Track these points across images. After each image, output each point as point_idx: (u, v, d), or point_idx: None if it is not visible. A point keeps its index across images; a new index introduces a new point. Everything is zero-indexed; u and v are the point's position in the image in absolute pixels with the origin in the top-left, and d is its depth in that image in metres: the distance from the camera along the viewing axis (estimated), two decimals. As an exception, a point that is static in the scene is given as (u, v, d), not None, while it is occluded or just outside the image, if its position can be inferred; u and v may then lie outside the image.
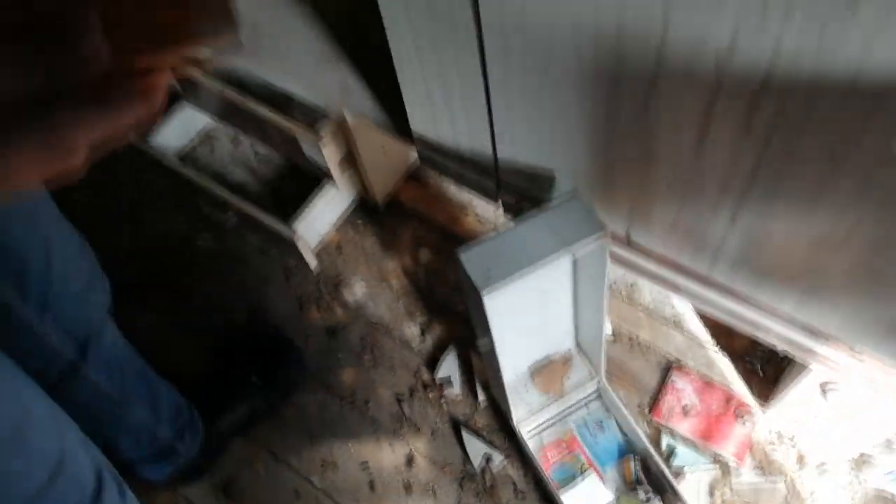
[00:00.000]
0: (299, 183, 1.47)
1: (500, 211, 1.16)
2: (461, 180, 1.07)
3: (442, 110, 0.95)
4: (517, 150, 0.90)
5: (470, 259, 0.81)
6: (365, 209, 1.45)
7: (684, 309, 1.27)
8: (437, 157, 1.06)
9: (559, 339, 1.15)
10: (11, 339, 0.74)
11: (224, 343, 1.34)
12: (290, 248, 1.34)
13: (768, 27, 0.55)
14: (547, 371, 1.15)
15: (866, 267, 0.70)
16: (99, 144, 0.38)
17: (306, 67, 1.22)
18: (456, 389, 1.24)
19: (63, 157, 0.37)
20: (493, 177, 1.00)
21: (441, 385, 1.25)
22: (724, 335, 1.23)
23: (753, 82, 0.60)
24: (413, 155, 1.46)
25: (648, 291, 1.29)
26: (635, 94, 0.70)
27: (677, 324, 1.25)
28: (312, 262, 1.35)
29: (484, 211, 1.40)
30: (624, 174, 0.81)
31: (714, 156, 0.70)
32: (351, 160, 1.31)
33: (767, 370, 1.19)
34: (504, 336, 0.94)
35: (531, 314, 1.05)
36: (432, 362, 1.28)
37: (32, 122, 0.35)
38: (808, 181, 0.66)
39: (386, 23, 0.87)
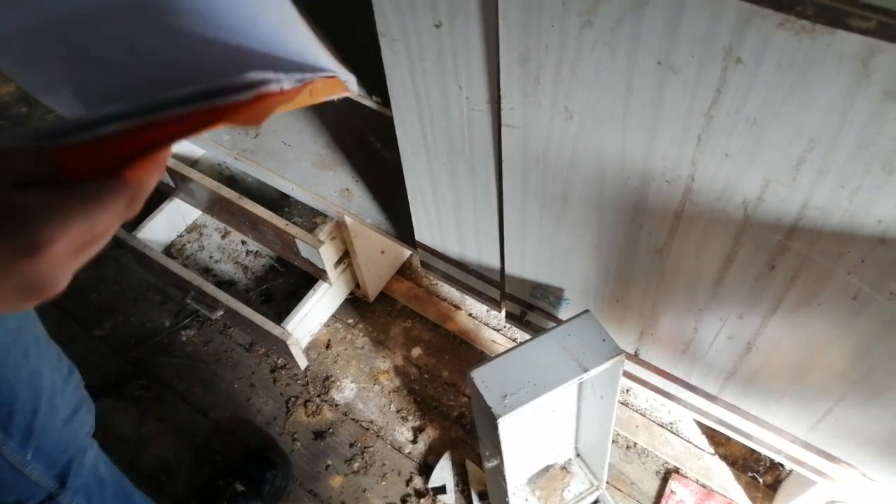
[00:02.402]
0: (289, 278, 1.44)
1: (502, 318, 1.15)
2: (464, 288, 1.06)
3: (452, 227, 0.95)
4: (527, 267, 0.90)
5: (483, 380, 0.80)
6: (356, 304, 1.43)
7: (681, 414, 1.26)
8: (441, 265, 1.06)
9: (560, 448, 1.13)
10: None
11: (207, 447, 1.29)
12: (278, 346, 1.30)
13: (799, 183, 0.57)
14: (547, 482, 1.12)
15: (887, 399, 0.71)
16: (78, 246, 0.33)
17: (305, 172, 1.22)
18: (450, 499, 1.20)
19: (36, 261, 0.31)
20: (498, 288, 1.00)
21: (435, 494, 1.21)
22: (723, 442, 1.22)
23: (780, 230, 0.61)
24: (407, 252, 1.45)
25: (644, 395, 1.28)
26: (658, 228, 0.71)
27: (674, 429, 1.24)
28: (302, 362, 1.32)
29: (477, 309, 1.39)
30: (638, 298, 0.82)
31: (734, 288, 0.71)
32: (346, 259, 1.30)
33: (767, 478, 1.19)
34: (511, 453, 0.92)
35: (537, 429, 1.04)
36: (425, 468, 1.24)
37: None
38: (830, 318, 0.67)
39: (402, 150, 0.87)
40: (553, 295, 0.91)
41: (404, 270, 1.46)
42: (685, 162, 0.62)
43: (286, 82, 0.41)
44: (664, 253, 0.73)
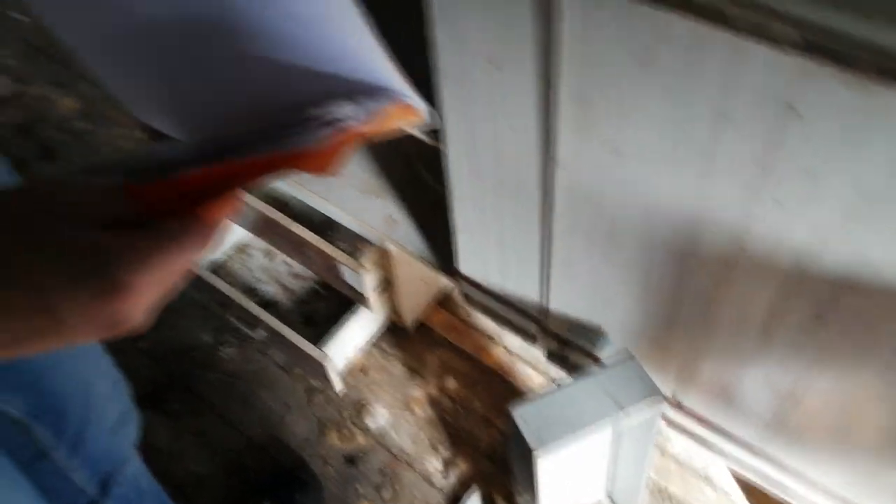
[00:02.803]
0: (330, 302, 1.46)
1: (538, 353, 1.15)
2: (504, 322, 1.07)
3: (495, 260, 0.96)
4: (569, 304, 0.91)
5: (524, 418, 0.80)
6: (393, 332, 1.44)
7: (716, 463, 1.24)
8: (481, 297, 1.06)
9: (593, 489, 1.11)
10: (38, 477, 0.72)
11: (240, 463, 1.30)
12: (315, 368, 1.32)
13: (853, 237, 0.56)
14: (578, 523, 1.10)
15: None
16: (157, 285, 0.34)
17: (350, 197, 1.24)
18: (479, 533, 1.19)
19: (118, 301, 0.32)
20: (538, 324, 1.00)
21: (463, 527, 1.20)
22: (759, 494, 1.19)
23: (831, 282, 0.61)
24: (446, 281, 1.46)
25: (680, 442, 1.26)
26: (706, 273, 0.71)
27: (708, 479, 1.22)
28: (338, 386, 1.33)
29: (513, 343, 1.39)
30: (681, 342, 0.81)
31: (781, 338, 0.70)
32: (387, 286, 1.31)
33: (804, 535, 1.15)
34: (545, 492, 0.91)
35: (571, 469, 1.03)
36: (454, 501, 1.23)
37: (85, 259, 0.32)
38: (879, 373, 0.65)
39: (451, 183, 0.89)
40: (594, 334, 0.91)
41: (443, 300, 1.47)
42: (737, 208, 0.62)
43: (361, 114, 0.41)
44: (711, 298, 0.73)
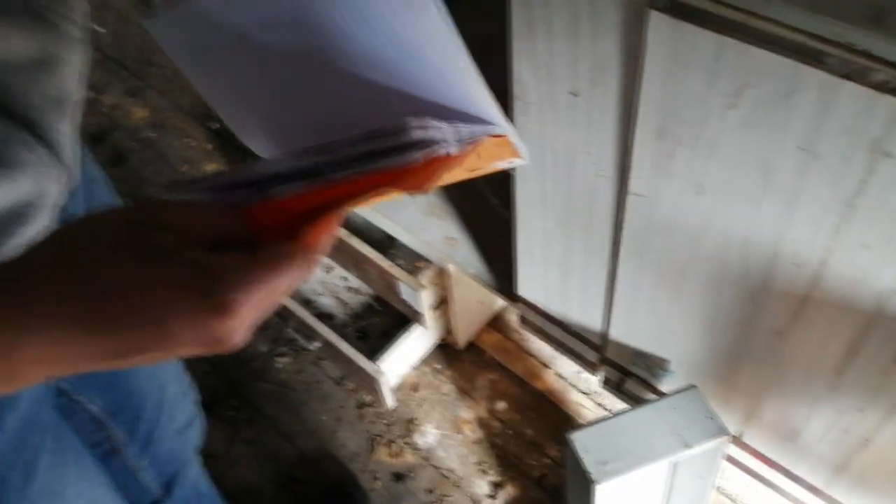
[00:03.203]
0: (384, 317, 1.48)
1: (591, 381, 1.14)
2: (561, 348, 1.07)
3: (557, 286, 0.96)
4: (632, 334, 0.90)
5: (583, 444, 0.79)
6: (445, 351, 1.44)
7: (774, 503, 1.21)
8: (540, 322, 1.06)
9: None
10: (109, 474, 0.75)
11: (290, 474, 1.32)
12: (368, 383, 1.33)
13: (945, 281, 0.55)
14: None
15: None
16: (260, 306, 0.35)
17: (413, 216, 1.26)
18: (525, 559, 1.18)
19: (223, 322, 0.33)
20: (598, 352, 1.00)
21: (510, 552, 1.19)
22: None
23: (918, 325, 0.60)
24: (500, 301, 1.47)
25: (737, 479, 1.23)
26: (780, 310, 0.70)
27: (765, 519, 1.19)
28: (389, 402, 1.34)
29: (566, 370, 1.39)
30: (749, 378, 0.80)
31: (857, 380, 0.69)
32: (442, 305, 1.32)
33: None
34: (599, 522, 0.90)
35: (626, 500, 1.02)
36: (501, 524, 1.23)
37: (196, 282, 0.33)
38: (961, 424, 0.64)
39: (518, 207, 0.90)
40: (656, 365, 0.91)
41: (495, 322, 1.47)
42: (818, 248, 0.62)
43: (453, 146, 0.42)
44: (783, 336, 0.72)
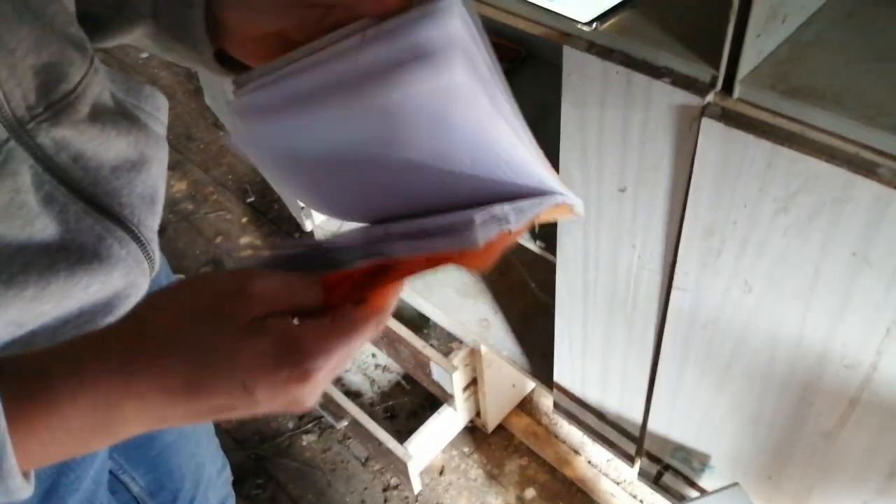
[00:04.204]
0: (413, 396, 1.47)
1: (623, 470, 1.12)
2: (597, 437, 1.05)
3: (595, 374, 0.96)
4: (673, 427, 0.89)
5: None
6: (472, 434, 1.43)
7: None
8: (575, 409, 1.06)
9: None
10: None
11: (312, 557, 1.29)
12: (395, 465, 1.31)
13: None
14: None
15: None
16: (335, 370, 0.37)
17: (448, 297, 1.27)
18: None
19: (303, 387, 0.35)
20: (635, 443, 0.98)
21: None
22: None
23: (976, 434, 0.59)
24: (530, 385, 1.46)
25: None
26: (828, 411, 0.69)
27: None
28: (417, 485, 1.32)
29: (597, 457, 1.36)
30: (794, 478, 0.79)
31: (911, 487, 0.68)
32: (473, 386, 1.32)
33: None
34: None
35: None
36: None
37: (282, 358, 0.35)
38: None
39: (559, 294, 0.91)
40: (697, 460, 0.89)
41: (524, 404, 1.46)
42: (869, 351, 0.62)
43: (515, 224, 0.43)
44: (832, 437, 0.71)
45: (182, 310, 0.36)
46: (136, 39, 0.53)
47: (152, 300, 0.37)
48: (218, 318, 0.35)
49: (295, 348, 0.35)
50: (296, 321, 0.38)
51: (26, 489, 0.35)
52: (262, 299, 0.36)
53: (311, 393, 0.36)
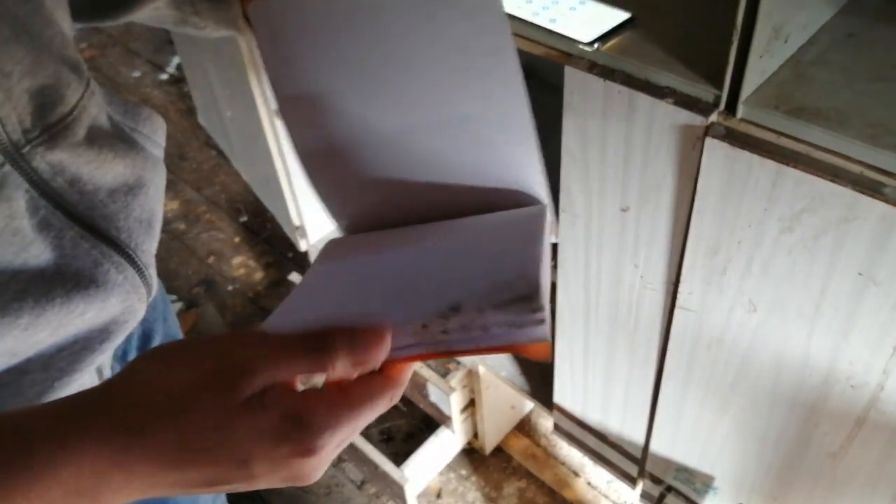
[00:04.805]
0: (410, 418, 1.46)
1: (624, 491, 1.11)
2: (598, 459, 1.04)
3: (597, 395, 0.95)
4: (676, 448, 0.88)
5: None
6: (471, 455, 1.41)
7: None
8: (576, 431, 1.05)
9: None
10: None
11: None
12: (392, 489, 1.29)
13: None
14: None
15: None
16: (343, 444, 0.35)
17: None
18: None
19: (309, 462, 0.33)
20: (637, 465, 0.97)
21: None
22: None
23: None
24: (528, 405, 1.45)
25: None
26: (835, 431, 0.69)
27: None
28: (414, 508, 1.30)
29: (597, 479, 1.35)
30: (800, 499, 0.78)
31: (919, 508, 0.67)
32: (470, 408, 1.31)
33: None
34: None
35: None
36: None
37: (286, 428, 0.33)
38: None
39: (560, 313, 0.90)
40: (701, 481, 0.88)
41: (523, 426, 1.45)
42: (876, 370, 0.62)
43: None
44: (839, 457, 0.70)
45: (177, 378, 0.34)
46: (157, 9, 0.52)
47: (145, 363, 0.35)
48: (215, 391, 0.33)
49: (298, 425, 0.33)
50: (301, 387, 0.35)
51: None
52: (265, 372, 0.33)
53: (315, 469, 0.34)
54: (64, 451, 0.31)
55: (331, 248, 0.48)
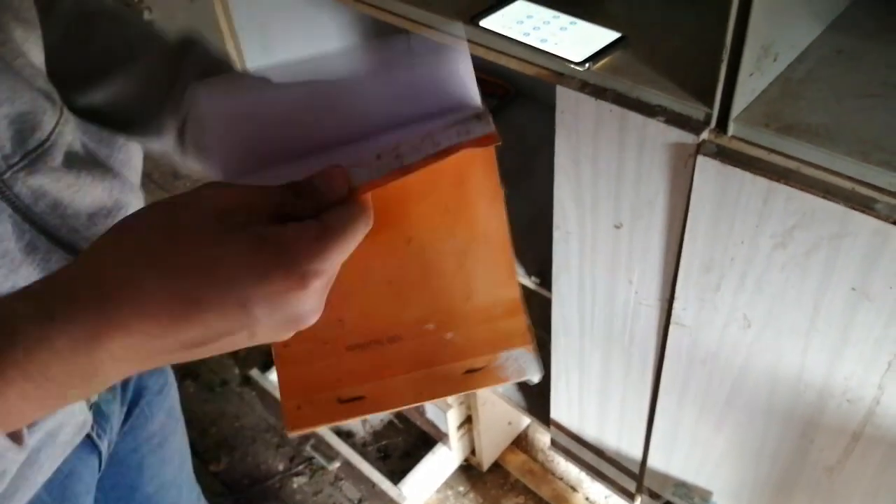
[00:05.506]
0: (407, 436, 1.45)
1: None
2: (596, 474, 1.04)
3: (593, 411, 0.95)
4: (673, 463, 0.88)
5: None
6: (468, 472, 1.41)
7: None
8: (573, 446, 1.04)
9: None
10: None
11: None
12: (389, 506, 1.29)
13: None
14: None
15: None
16: (330, 274, 0.34)
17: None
18: None
19: (303, 294, 0.32)
20: (635, 480, 0.97)
21: None
22: None
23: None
24: (525, 421, 1.44)
25: None
26: (831, 445, 0.69)
27: None
28: (411, 527, 1.29)
29: (595, 493, 1.34)
30: (799, 514, 0.78)
31: (917, 522, 0.67)
32: (467, 424, 1.30)
33: None
34: None
35: None
36: None
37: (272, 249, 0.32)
38: None
39: (554, 330, 0.90)
40: (699, 496, 0.88)
41: (520, 442, 1.44)
42: (871, 385, 0.62)
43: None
44: (835, 471, 0.70)
45: (149, 230, 0.33)
46: (165, 144, 0.53)
47: (108, 235, 0.34)
48: (197, 230, 0.32)
49: (284, 248, 0.32)
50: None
51: (13, 450, 0.32)
52: (241, 206, 0.33)
53: (311, 302, 0.33)
54: (53, 322, 0.30)
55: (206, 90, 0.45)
